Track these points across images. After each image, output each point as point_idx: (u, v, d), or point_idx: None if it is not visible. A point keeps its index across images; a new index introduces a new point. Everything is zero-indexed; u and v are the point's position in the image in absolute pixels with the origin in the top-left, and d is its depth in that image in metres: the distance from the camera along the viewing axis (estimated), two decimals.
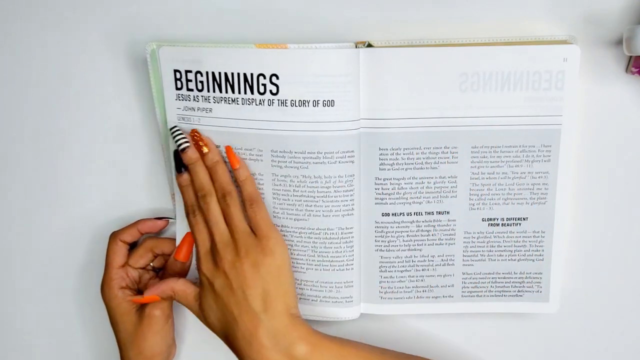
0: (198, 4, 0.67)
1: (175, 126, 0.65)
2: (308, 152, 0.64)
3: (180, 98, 0.65)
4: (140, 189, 0.72)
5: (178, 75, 0.64)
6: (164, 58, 0.64)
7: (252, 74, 0.62)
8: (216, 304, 0.63)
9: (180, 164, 0.65)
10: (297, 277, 0.68)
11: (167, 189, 0.71)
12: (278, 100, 0.63)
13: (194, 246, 0.66)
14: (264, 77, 0.62)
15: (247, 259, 0.62)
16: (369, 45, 0.63)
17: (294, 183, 0.65)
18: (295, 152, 0.64)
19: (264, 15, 0.66)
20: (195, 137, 0.64)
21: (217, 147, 0.65)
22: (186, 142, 0.64)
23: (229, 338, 0.63)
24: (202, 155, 0.64)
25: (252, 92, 0.63)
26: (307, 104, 0.62)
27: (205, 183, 0.64)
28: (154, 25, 0.67)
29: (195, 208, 0.65)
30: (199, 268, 0.65)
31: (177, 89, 0.65)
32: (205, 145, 0.64)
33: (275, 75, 0.62)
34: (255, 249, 0.62)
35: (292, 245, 0.67)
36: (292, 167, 0.64)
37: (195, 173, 0.64)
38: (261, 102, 0.63)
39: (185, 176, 0.65)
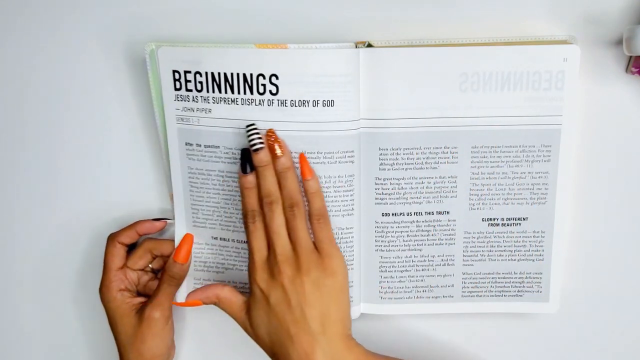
0: (198, 4, 0.66)
1: (252, 124, 0.62)
2: (308, 152, 0.63)
3: (179, 99, 0.65)
4: (139, 190, 0.72)
5: (177, 76, 0.64)
6: (163, 59, 0.64)
7: (251, 74, 0.62)
8: (269, 317, 0.61)
9: (246, 164, 0.62)
10: None
11: (165, 189, 0.71)
12: (278, 100, 0.62)
13: (249, 253, 0.63)
14: (264, 77, 0.62)
15: (309, 276, 0.60)
16: (369, 45, 0.63)
17: None
18: (295, 152, 0.64)
19: (264, 15, 0.66)
20: (271, 139, 0.62)
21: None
22: (261, 142, 0.61)
23: (278, 355, 0.61)
24: (274, 158, 0.62)
25: (251, 93, 0.63)
26: (306, 104, 0.62)
27: (274, 189, 0.61)
28: (153, 25, 0.67)
29: (256, 214, 0.62)
30: (252, 277, 0.62)
31: (176, 89, 0.64)
32: (280, 148, 0.62)
33: (275, 75, 0.62)
34: (317, 267, 0.61)
35: None
36: None
37: (263, 177, 0.62)
38: (261, 103, 0.63)
39: (250, 178, 0.62)
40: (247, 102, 0.63)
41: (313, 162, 0.64)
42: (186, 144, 0.66)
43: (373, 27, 0.65)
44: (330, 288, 0.61)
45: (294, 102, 0.62)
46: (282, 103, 0.62)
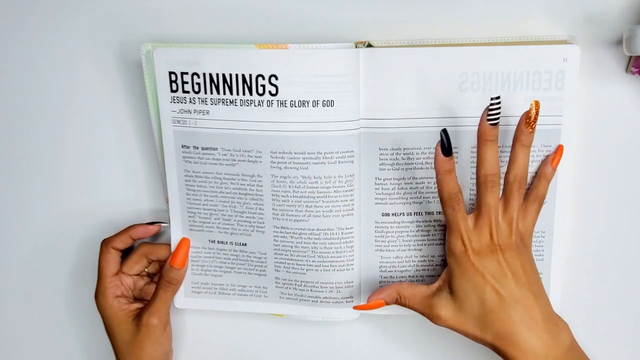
0: (197, 3, 0.66)
1: (499, 96, 0.58)
2: (307, 153, 0.63)
3: (176, 100, 0.64)
4: (134, 194, 0.71)
5: (173, 78, 0.63)
6: (158, 60, 0.63)
7: (250, 75, 0.62)
8: (482, 290, 0.60)
9: (450, 146, 0.59)
10: (296, 279, 0.67)
11: (161, 193, 0.70)
12: (277, 100, 0.62)
13: (453, 235, 0.61)
14: (263, 78, 0.62)
15: (517, 250, 0.61)
16: (369, 45, 0.62)
17: (293, 184, 0.64)
18: (295, 153, 0.63)
19: (264, 15, 0.66)
20: (534, 110, 0.59)
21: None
22: (498, 118, 0.59)
23: (493, 320, 0.60)
24: (529, 133, 0.60)
25: (250, 93, 0.62)
26: (306, 104, 0.62)
27: (498, 165, 0.60)
28: (151, 25, 0.67)
29: (459, 195, 0.61)
30: (464, 258, 0.60)
31: (172, 91, 0.64)
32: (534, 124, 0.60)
33: (275, 75, 0.62)
34: (522, 242, 0.62)
35: (292, 247, 0.66)
36: (291, 168, 0.64)
37: (492, 151, 0.59)
38: (260, 103, 0.62)
39: (452, 161, 0.60)
40: (246, 103, 0.63)
41: (313, 163, 0.63)
42: (182, 147, 0.66)
43: (373, 27, 0.65)
44: (531, 259, 0.62)
45: (293, 103, 0.62)
46: (282, 104, 0.62)
